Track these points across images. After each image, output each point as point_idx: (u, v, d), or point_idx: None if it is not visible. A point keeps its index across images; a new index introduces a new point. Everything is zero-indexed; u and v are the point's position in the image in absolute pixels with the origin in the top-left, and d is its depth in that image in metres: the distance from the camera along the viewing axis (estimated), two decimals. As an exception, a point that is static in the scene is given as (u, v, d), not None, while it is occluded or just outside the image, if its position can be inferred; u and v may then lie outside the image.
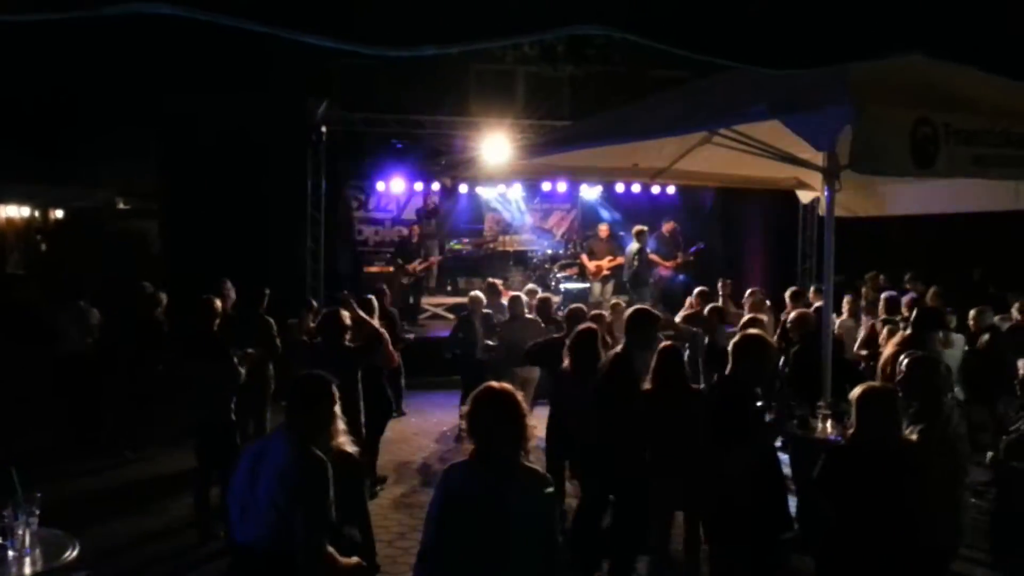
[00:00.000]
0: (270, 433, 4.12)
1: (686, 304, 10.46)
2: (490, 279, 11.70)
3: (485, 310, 10.25)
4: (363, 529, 5.66)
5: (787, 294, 9.58)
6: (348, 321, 6.96)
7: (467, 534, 3.40)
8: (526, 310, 9.53)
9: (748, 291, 10.30)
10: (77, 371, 9.17)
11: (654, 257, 14.39)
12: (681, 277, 14.44)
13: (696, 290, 10.45)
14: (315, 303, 10.23)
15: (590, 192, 16.91)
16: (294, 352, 8.32)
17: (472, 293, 10.49)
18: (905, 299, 9.40)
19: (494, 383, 3.62)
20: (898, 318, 8.70)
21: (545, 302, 9.74)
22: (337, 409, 4.49)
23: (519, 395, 3.55)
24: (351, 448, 4.58)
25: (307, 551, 3.79)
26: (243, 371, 7.10)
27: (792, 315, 7.73)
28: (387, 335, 7.58)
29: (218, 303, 7.33)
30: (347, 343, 6.88)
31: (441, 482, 3.55)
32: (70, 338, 9.29)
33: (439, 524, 3.47)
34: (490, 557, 3.39)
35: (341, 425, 4.54)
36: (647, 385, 5.93)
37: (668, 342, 6.25)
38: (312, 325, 9.23)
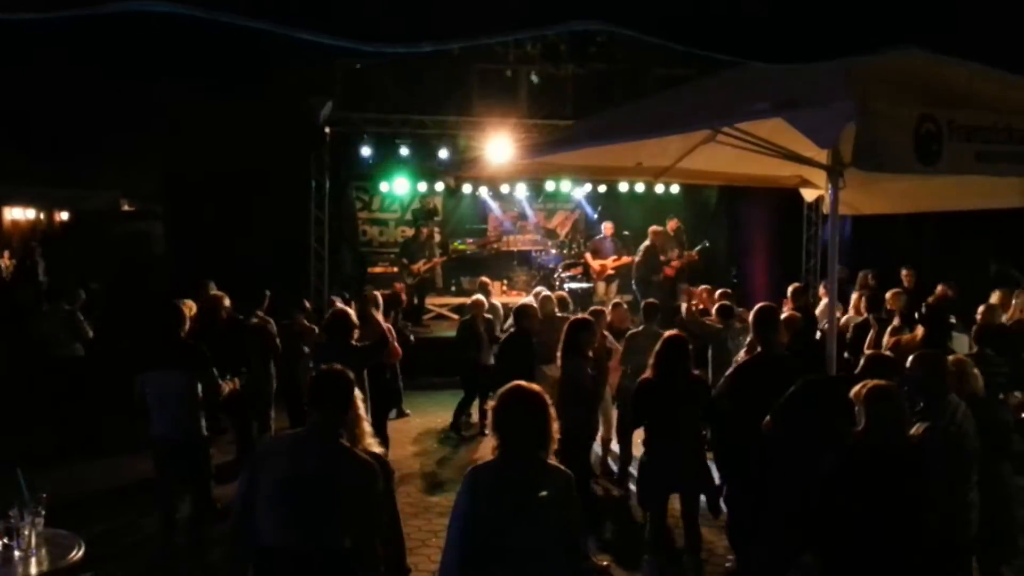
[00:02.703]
0: (295, 433, 3.95)
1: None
2: (482, 278, 11.72)
3: (487, 315, 10.28)
4: (394, 531, 5.68)
5: (789, 292, 9.60)
6: (355, 320, 6.98)
7: (501, 532, 3.41)
8: (556, 309, 9.62)
9: (719, 291, 10.19)
10: (65, 375, 9.07)
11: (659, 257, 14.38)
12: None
13: (699, 288, 10.47)
14: (307, 303, 10.23)
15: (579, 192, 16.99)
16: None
17: (474, 297, 10.52)
18: (888, 293, 9.34)
19: (522, 382, 3.65)
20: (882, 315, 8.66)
21: (560, 299, 9.97)
22: (362, 410, 4.48)
23: (546, 395, 3.59)
24: (378, 449, 4.56)
25: (362, 551, 3.74)
26: (225, 389, 6.48)
27: (781, 317, 7.66)
28: (392, 331, 7.71)
29: (188, 308, 6.73)
30: (354, 342, 6.90)
31: (468, 485, 3.54)
32: (58, 342, 9.21)
33: (469, 526, 3.46)
34: (523, 554, 3.41)
35: (367, 427, 4.53)
36: (647, 373, 6.04)
37: (675, 331, 6.39)
38: (306, 324, 9.28)
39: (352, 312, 7.27)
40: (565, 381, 6.68)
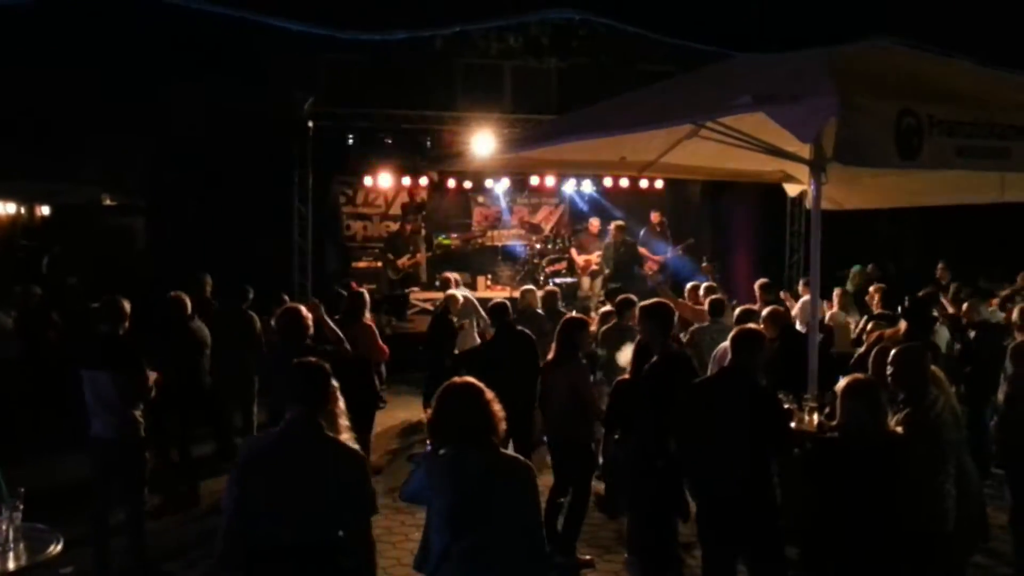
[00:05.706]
0: (279, 431, 3.93)
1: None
2: (446, 273, 11.69)
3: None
4: None
5: (756, 286, 9.67)
6: (309, 319, 6.75)
7: (451, 524, 3.41)
8: (538, 304, 9.61)
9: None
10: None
11: (643, 251, 14.43)
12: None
13: (688, 285, 10.48)
14: (286, 297, 10.18)
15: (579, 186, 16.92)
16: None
17: (448, 292, 10.55)
18: (872, 287, 9.43)
19: (456, 378, 3.69)
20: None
21: (552, 295, 10.02)
22: (341, 404, 4.46)
23: (482, 385, 3.61)
24: (354, 445, 4.54)
25: (359, 540, 3.77)
26: (152, 388, 6.15)
27: (764, 312, 7.65)
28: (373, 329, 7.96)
29: (126, 305, 6.23)
30: (308, 342, 6.65)
31: (420, 474, 3.57)
32: None
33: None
34: (476, 547, 3.39)
35: (345, 421, 4.51)
36: (626, 374, 6.02)
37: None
38: None
39: (305, 310, 6.99)
40: (564, 385, 6.42)
